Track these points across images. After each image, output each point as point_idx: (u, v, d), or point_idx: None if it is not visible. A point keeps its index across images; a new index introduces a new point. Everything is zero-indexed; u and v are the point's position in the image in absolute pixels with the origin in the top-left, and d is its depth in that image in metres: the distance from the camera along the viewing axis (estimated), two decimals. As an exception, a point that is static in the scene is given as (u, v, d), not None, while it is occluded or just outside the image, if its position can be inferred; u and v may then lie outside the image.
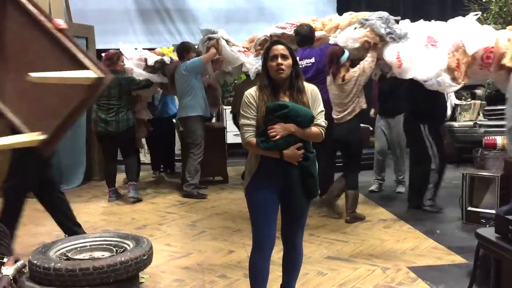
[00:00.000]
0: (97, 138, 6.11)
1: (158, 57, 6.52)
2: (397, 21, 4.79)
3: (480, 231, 2.48)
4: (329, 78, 4.84)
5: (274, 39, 2.83)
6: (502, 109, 6.10)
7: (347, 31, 4.82)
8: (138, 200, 5.87)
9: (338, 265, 3.76)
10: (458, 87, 4.53)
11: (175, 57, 6.49)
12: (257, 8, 9.53)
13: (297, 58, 4.93)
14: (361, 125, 5.59)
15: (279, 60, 2.72)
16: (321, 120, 2.81)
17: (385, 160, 6.18)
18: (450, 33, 4.56)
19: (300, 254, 2.99)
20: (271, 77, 2.77)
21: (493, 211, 4.36)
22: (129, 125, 5.83)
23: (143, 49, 6.66)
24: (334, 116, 4.80)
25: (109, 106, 5.70)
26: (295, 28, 5.34)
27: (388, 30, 4.59)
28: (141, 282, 3.46)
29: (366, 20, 4.67)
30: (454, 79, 4.45)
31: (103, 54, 5.88)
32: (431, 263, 3.76)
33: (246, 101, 2.78)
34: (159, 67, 6.49)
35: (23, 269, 3.22)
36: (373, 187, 6.12)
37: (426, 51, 4.49)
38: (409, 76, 4.56)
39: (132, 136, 6.10)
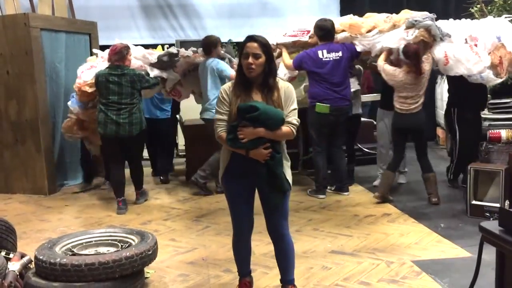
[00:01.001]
0: (103, 141, 5.42)
1: (161, 52, 5.97)
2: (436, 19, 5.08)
3: (484, 224, 2.47)
4: (399, 70, 5.05)
5: (249, 35, 2.88)
6: (507, 103, 6.08)
7: (399, 32, 5.05)
8: (146, 199, 5.71)
9: (342, 259, 3.77)
10: (500, 80, 4.97)
11: None
12: (259, 3, 9.50)
13: (323, 51, 5.04)
14: (364, 119, 5.66)
15: (250, 60, 2.76)
16: (292, 118, 2.85)
17: (388, 154, 6.17)
18: (486, 33, 4.91)
19: (289, 244, 3.03)
20: (243, 74, 2.83)
21: (497, 205, 4.37)
22: (141, 128, 5.29)
23: (135, 45, 6.02)
24: (403, 107, 5.12)
25: (120, 106, 5.13)
26: (318, 23, 5.37)
27: (440, 31, 4.92)
28: (146, 277, 3.48)
29: (417, 21, 4.92)
30: (496, 74, 4.86)
31: (108, 49, 5.37)
32: (435, 257, 3.76)
33: (220, 96, 2.89)
34: (168, 60, 5.84)
35: (29, 265, 3.26)
36: (377, 182, 6.12)
37: (470, 50, 4.82)
38: (454, 73, 4.93)
39: (144, 140, 5.72)
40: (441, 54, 4.91)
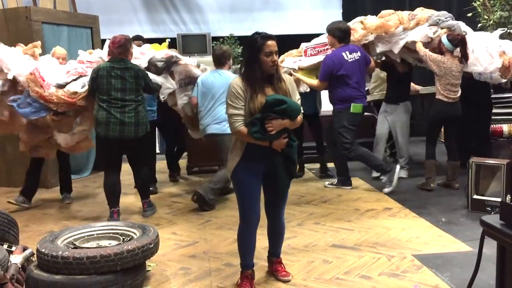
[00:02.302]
0: (103, 144, 4.73)
1: (160, 54, 5.29)
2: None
3: (485, 218, 2.48)
4: (446, 58, 5.18)
5: (264, 34, 3.03)
6: (509, 97, 6.06)
7: (423, 28, 5.39)
8: (154, 212, 5.03)
9: (343, 253, 3.78)
10: (504, 81, 5.37)
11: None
12: (261, -4, 9.48)
13: (346, 52, 5.24)
14: (366, 113, 5.69)
15: (274, 57, 2.97)
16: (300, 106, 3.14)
17: (379, 145, 6.19)
18: (491, 41, 5.33)
19: (283, 224, 3.33)
20: (262, 70, 2.97)
21: (498, 199, 4.37)
22: (147, 129, 4.80)
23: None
24: (450, 95, 5.24)
25: (124, 102, 4.56)
26: (337, 25, 5.40)
27: (460, 30, 5.33)
28: (148, 270, 3.50)
29: (441, 20, 5.35)
30: (503, 73, 5.26)
31: (108, 40, 4.84)
32: (436, 251, 3.77)
33: (234, 91, 2.98)
34: (164, 67, 5.27)
35: (31, 258, 3.27)
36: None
37: (486, 51, 5.24)
38: (471, 70, 5.30)
39: (149, 143, 5.30)
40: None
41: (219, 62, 5.29)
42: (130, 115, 4.56)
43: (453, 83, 5.22)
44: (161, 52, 5.37)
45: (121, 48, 4.64)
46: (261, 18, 9.27)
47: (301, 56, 5.67)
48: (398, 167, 5.44)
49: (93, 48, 6.95)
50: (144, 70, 4.88)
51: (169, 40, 7.87)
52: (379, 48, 5.59)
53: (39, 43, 5.35)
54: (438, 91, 5.28)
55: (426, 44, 5.41)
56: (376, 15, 5.74)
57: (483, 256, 2.61)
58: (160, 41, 8.65)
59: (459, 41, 5.17)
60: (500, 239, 2.37)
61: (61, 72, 4.99)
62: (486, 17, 6.79)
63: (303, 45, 5.77)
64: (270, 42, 2.95)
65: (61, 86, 4.82)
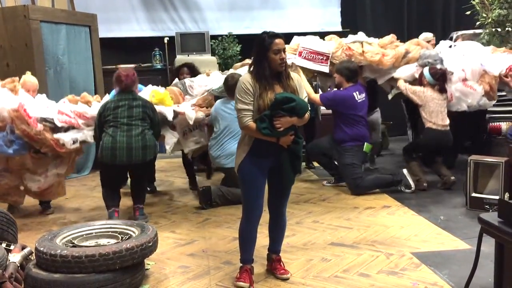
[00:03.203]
0: (107, 168, 4.54)
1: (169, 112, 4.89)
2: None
3: (483, 216, 2.49)
4: (430, 90, 5.32)
5: (272, 32, 3.12)
6: (507, 95, 6.06)
7: (411, 67, 5.61)
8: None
9: (342, 251, 3.78)
10: (494, 102, 5.52)
11: (169, 101, 5.03)
12: (260, -5, 9.47)
13: (356, 93, 5.31)
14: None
15: (283, 55, 3.05)
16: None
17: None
18: (471, 63, 5.38)
19: (285, 221, 3.41)
20: (271, 68, 3.05)
21: (497, 197, 4.37)
22: (156, 152, 4.64)
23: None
24: (439, 122, 5.33)
25: (130, 126, 4.42)
26: (346, 65, 5.42)
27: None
28: (147, 269, 3.49)
29: (430, 63, 5.46)
30: (490, 97, 5.40)
31: (121, 70, 4.68)
32: (435, 249, 3.77)
33: (244, 87, 3.06)
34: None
35: (29, 256, 3.27)
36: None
37: (464, 86, 5.37)
38: (455, 109, 5.47)
39: (153, 165, 5.20)
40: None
41: (233, 92, 4.98)
42: (137, 139, 4.40)
43: (438, 110, 5.32)
44: (168, 109, 4.94)
45: (133, 81, 4.60)
46: (260, 17, 9.26)
47: (295, 55, 5.57)
48: (404, 170, 5.47)
49: (91, 46, 6.97)
50: (152, 104, 4.72)
51: (168, 38, 7.89)
52: (367, 74, 5.81)
53: (17, 78, 5.00)
54: (426, 120, 5.39)
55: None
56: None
57: (481, 254, 2.62)
58: (158, 39, 8.70)
59: (440, 76, 5.31)
60: (498, 237, 2.38)
61: (50, 108, 4.79)
62: (484, 15, 6.80)
63: (300, 44, 5.63)
64: (278, 41, 3.04)
65: (46, 121, 4.67)
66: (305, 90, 5.32)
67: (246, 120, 3.05)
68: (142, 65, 8.74)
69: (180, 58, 8.43)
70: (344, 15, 9.39)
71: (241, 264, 3.31)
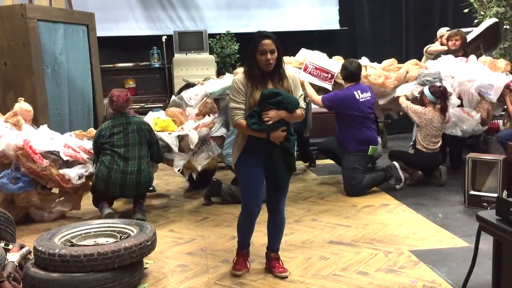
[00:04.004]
0: (100, 193, 4.63)
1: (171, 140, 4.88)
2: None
3: (481, 214, 2.49)
4: (427, 109, 5.34)
5: (261, 32, 3.16)
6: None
7: (410, 85, 5.66)
8: (143, 220, 4.41)
9: (340, 250, 3.78)
10: (486, 127, 5.68)
11: (173, 126, 5.07)
12: (258, -6, 9.45)
13: (357, 92, 5.19)
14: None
15: (268, 56, 3.06)
16: (302, 102, 3.23)
17: None
18: (469, 88, 5.47)
19: (283, 218, 3.42)
20: (260, 67, 3.10)
21: (495, 195, 4.37)
22: (150, 184, 4.81)
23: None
24: (430, 146, 5.38)
25: (127, 162, 4.47)
26: (342, 64, 5.37)
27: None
28: (145, 268, 3.49)
29: (428, 81, 5.51)
30: (485, 123, 5.56)
31: (114, 91, 4.66)
32: (433, 247, 3.78)
33: (236, 87, 3.14)
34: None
35: (28, 256, 3.27)
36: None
37: (462, 113, 5.48)
38: (449, 132, 5.57)
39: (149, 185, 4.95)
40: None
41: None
42: (132, 177, 4.48)
43: (434, 134, 5.36)
44: (171, 138, 4.90)
45: (128, 103, 4.63)
46: (258, 15, 9.24)
47: (300, 69, 5.53)
48: (395, 163, 5.45)
49: (89, 45, 6.95)
50: (149, 124, 4.75)
51: (166, 36, 7.89)
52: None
53: (18, 109, 4.92)
54: (418, 141, 5.41)
55: None
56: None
57: (479, 252, 2.63)
58: (156, 38, 8.68)
59: (441, 94, 5.31)
60: (496, 235, 2.38)
61: (56, 140, 4.76)
62: (482, 13, 6.82)
63: (307, 58, 5.58)
64: (264, 41, 3.05)
65: (52, 154, 4.65)
66: (306, 90, 5.44)
67: (237, 118, 3.12)
68: (140, 64, 8.73)
69: (178, 57, 8.44)
70: (342, 14, 9.38)
71: (238, 250, 3.46)
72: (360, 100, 5.21)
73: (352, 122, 5.23)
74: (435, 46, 6.67)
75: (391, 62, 5.86)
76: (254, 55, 3.08)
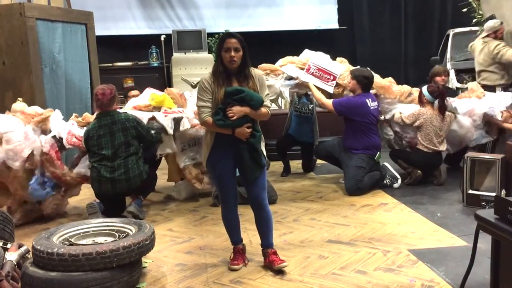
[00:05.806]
0: (97, 192, 4.64)
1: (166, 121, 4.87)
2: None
3: (480, 213, 2.49)
4: (430, 110, 5.36)
5: (228, 32, 3.45)
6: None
7: (414, 106, 5.57)
8: (138, 218, 4.51)
9: (339, 249, 3.79)
10: (491, 138, 5.66)
11: (169, 102, 5.05)
12: (257, -7, 9.46)
13: (369, 100, 5.24)
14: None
15: (232, 53, 3.19)
16: (267, 101, 3.35)
17: None
18: (476, 108, 5.56)
19: (268, 212, 3.44)
20: (225, 65, 3.22)
21: (493, 194, 4.38)
22: (143, 178, 4.61)
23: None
24: (430, 146, 5.37)
25: (114, 163, 4.48)
26: (363, 73, 5.34)
27: (451, 107, 5.51)
28: (144, 267, 3.49)
29: None
30: (488, 133, 5.64)
31: (98, 88, 4.67)
32: (432, 246, 3.78)
33: (203, 86, 3.26)
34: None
35: (26, 255, 3.27)
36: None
37: (471, 122, 5.53)
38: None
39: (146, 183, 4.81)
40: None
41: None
42: (120, 172, 4.47)
43: (434, 133, 5.35)
44: (167, 120, 4.90)
45: (113, 100, 4.59)
46: (256, 14, 9.26)
47: (303, 69, 5.51)
48: (386, 164, 5.55)
49: (88, 44, 6.95)
50: (135, 119, 4.65)
51: (164, 36, 7.89)
52: None
53: (47, 112, 4.87)
54: (419, 141, 5.41)
55: None
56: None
57: (478, 251, 2.62)
58: (155, 37, 8.68)
59: (438, 94, 5.33)
60: (494, 234, 2.38)
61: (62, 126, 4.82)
62: (481, 12, 6.81)
63: (310, 59, 5.54)
64: (229, 39, 3.21)
65: (56, 139, 4.72)
66: (314, 94, 5.45)
67: (204, 116, 3.24)
68: (138, 63, 8.73)
69: (177, 56, 8.44)
70: (341, 13, 9.39)
71: (233, 246, 3.56)
72: (371, 108, 5.32)
73: (363, 128, 5.31)
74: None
75: (389, 79, 5.78)
76: (220, 52, 3.22)
